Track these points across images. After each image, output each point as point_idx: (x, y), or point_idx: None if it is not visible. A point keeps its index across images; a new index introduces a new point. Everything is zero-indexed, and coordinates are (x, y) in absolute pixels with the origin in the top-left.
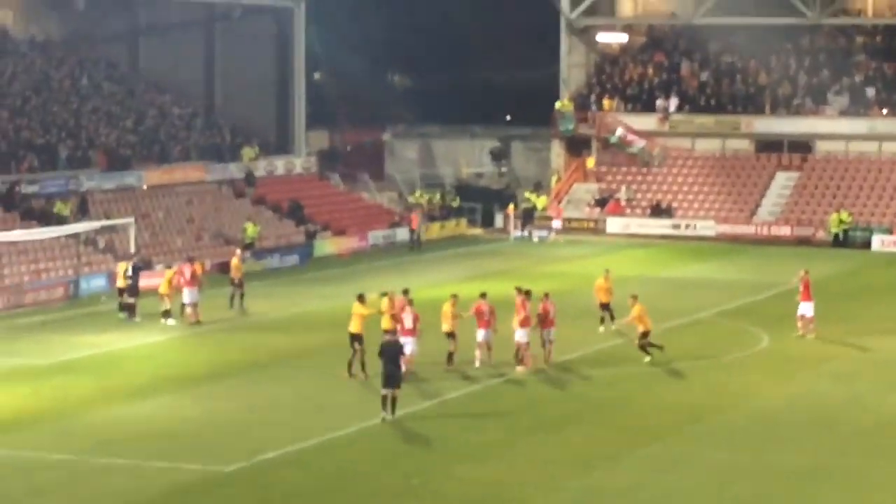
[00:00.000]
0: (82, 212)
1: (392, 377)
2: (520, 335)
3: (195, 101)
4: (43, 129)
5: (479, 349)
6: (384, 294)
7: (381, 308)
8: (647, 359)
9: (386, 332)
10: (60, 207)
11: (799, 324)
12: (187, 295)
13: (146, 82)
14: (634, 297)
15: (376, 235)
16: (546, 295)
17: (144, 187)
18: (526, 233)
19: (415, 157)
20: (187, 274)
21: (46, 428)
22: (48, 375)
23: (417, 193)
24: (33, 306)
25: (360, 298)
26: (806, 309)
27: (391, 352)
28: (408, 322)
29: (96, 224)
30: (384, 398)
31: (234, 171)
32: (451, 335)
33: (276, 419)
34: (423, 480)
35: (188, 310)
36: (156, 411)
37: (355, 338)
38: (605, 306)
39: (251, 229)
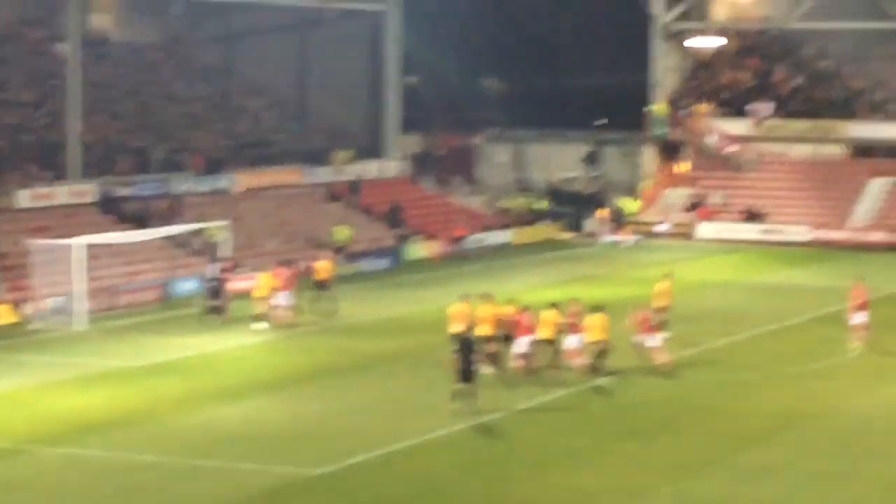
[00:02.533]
0: (176, 215)
1: (465, 372)
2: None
3: (289, 105)
4: (138, 132)
5: (574, 356)
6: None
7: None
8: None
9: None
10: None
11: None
12: (283, 297)
13: (240, 86)
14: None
15: (468, 239)
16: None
17: (237, 190)
18: (617, 237)
19: (507, 161)
20: (284, 277)
21: (139, 429)
22: (141, 377)
23: (509, 198)
24: (127, 308)
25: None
26: (859, 318)
27: (464, 347)
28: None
29: (189, 227)
30: (456, 392)
31: (327, 174)
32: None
33: (366, 423)
34: (511, 486)
35: (283, 312)
36: (246, 414)
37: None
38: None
39: (343, 233)
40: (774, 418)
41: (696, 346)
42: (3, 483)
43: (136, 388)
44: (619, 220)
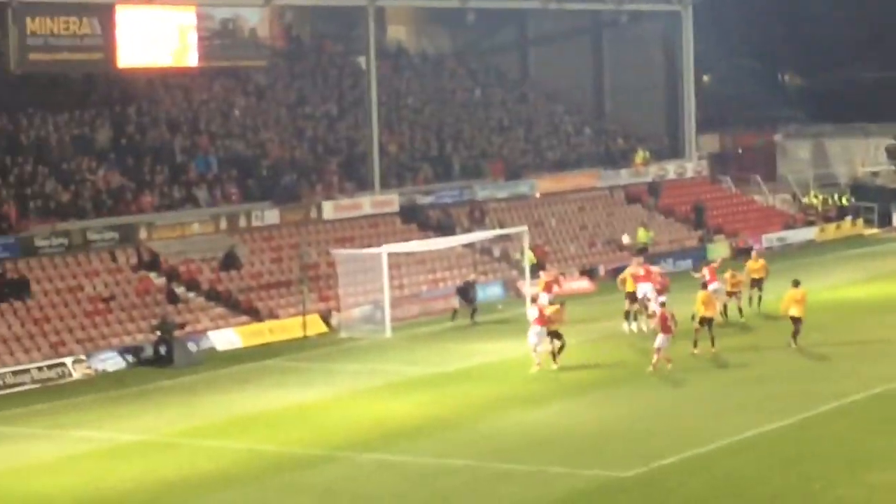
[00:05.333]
0: (477, 221)
1: None
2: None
3: (585, 108)
4: (438, 140)
5: None
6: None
7: None
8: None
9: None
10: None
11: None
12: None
13: (537, 91)
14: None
15: (770, 238)
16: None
17: (537, 195)
18: None
19: (807, 157)
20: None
21: (448, 434)
22: (448, 383)
23: (812, 194)
24: (430, 315)
25: None
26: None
27: None
28: None
29: (491, 233)
30: None
31: (626, 176)
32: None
33: (674, 424)
34: (826, 485)
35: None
36: (552, 417)
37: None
38: (795, 320)
39: (643, 234)
40: None
41: None
42: (320, 489)
43: (444, 393)
44: None
